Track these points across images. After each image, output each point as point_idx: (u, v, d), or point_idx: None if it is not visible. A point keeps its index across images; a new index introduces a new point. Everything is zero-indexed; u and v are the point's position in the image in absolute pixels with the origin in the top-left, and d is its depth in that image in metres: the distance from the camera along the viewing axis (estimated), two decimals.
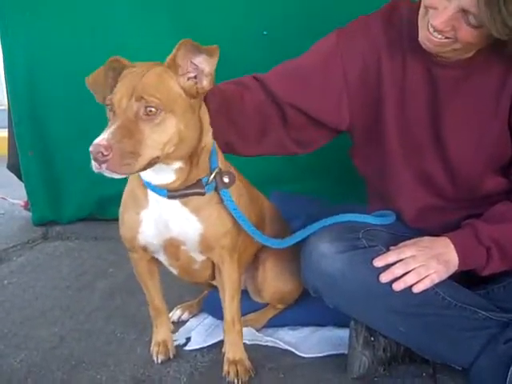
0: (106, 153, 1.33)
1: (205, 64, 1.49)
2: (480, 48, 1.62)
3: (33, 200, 3.38)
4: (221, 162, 1.68)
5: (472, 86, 1.70)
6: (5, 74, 3.22)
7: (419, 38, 1.65)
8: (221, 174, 1.64)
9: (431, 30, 1.58)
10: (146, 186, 1.62)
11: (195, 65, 1.49)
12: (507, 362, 1.55)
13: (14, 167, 3.47)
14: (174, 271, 1.84)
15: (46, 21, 3.04)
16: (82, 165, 3.23)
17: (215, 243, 1.69)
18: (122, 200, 1.73)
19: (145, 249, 1.73)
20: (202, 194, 1.62)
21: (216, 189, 1.64)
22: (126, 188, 1.72)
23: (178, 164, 1.56)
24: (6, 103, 3.34)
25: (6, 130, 3.49)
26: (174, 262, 1.77)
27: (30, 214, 3.43)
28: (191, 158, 1.57)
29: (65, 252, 3.00)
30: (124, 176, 1.43)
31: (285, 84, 1.84)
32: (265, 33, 2.84)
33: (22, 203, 3.60)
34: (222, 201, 1.65)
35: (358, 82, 1.81)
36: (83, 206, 3.34)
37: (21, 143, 3.25)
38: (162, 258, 1.77)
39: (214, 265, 1.78)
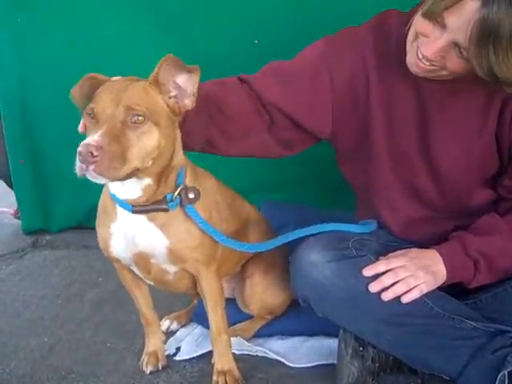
0: (95, 153, 1.34)
1: (187, 83, 1.52)
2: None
3: (23, 208, 3.36)
4: (193, 175, 1.69)
5: (459, 99, 1.71)
6: None
7: (407, 61, 1.65)
8: (186, 190, 1.63)
9: (420, 56, 1.58)
10: (113, 198, 1.62)
11: (177, 84, 1.52)
12: (495, 372, 1.55)
13: (4, 175, 3.46)
14: (150, 283, 1.84)
15: (38, 29, 3.02)
16: (72, 174, 3.25)
17: (186, 256, 1.69)
18: (97, 214, 1.75)
19: (119, 261, 1.74)
20: (166, 211, 1.62)
21: (181, 205, 1.64)
22: (100, 202, 1.74)
23: (147, 180, 1.56)
24: None
25: None
26: (147, 274, 1.77)
27: (20, 222, 3.41)
28: (160, 176, 1.58)
29: (54, 261, 2.98)
30: (107, 181, 1.44)
31: (271, 86, 1.83)
32: (256, 41, 2.85)
33: (12, 211, 3.59)
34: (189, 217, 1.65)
35: (344, 94, 1.81)
36: (73, 214, 3.31)
37: (12, 152, 3.24)
38: (136, 270, 1.78)
39: (192, 275, 1.78)
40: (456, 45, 1.50)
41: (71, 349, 2.06)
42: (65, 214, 3.32)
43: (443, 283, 1.67)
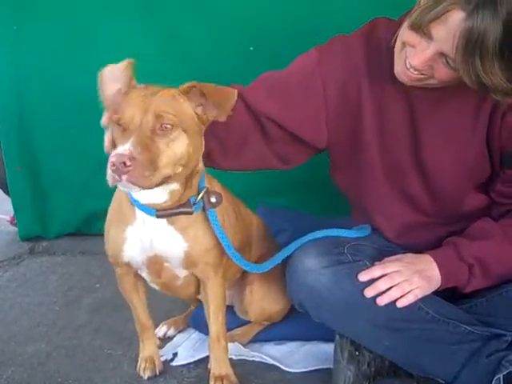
0: (128, 163, 1.34)
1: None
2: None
3: (19, 215, 3.36)
4: (207, 181, 1.69)
5: (449, 106, 1.72)
6: None
7: (395, 71, 1.67)
8: (208, 193, 1.65)
9: (408, 66, 1.59)
10: (134, 204, 1.62)
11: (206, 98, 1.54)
12: (490, 375, 1.56)
13: (0, 182, 3.46)
14: (156, 287, 1.85)
15: (34, 37, 3.03)
16: (69, 180, 3.26)
17: (199, 260, 1.70)
18: (108, 217, 1.74)
19: (129, 265, 1.74)
20: (190, 214, 1.63)
21: (203, 208, 1.65)
22: (112, 205, 1.73)
23: (174, 185, 1.57)
24: None
25: None
26: (156, 279, 1.77)
27: (17, 229, 3.40)
28: (187, 180, 1.59)
29: (51, 267, 2.98)
30: (139, 190, 1.44)
31: (265, 98, 1.83)
32: (251, 48, 2.87)
33: (9, 218, 3.58)
34: (207, 220, 1.66)
35: (337, 103, 1.82)
36: (70, 221, 3.32)
37: (8, 158, 3.24)
38: (145, 274, 1.78)
39: (197, 281, 1.79)
40: (443, 54, 1.52)
41: (68, 355, 2.06)
42: (62, 220, 3.33)
43: (438, 288, 1.68)
